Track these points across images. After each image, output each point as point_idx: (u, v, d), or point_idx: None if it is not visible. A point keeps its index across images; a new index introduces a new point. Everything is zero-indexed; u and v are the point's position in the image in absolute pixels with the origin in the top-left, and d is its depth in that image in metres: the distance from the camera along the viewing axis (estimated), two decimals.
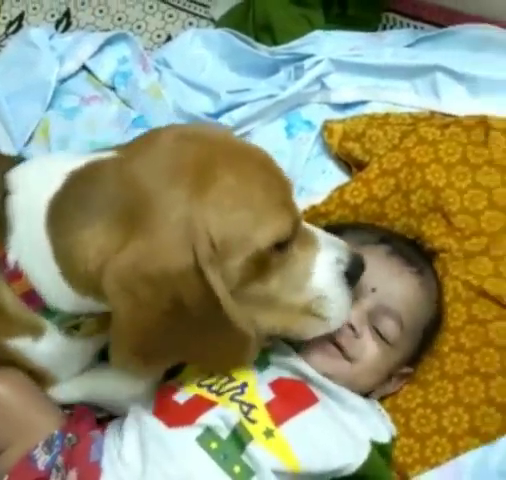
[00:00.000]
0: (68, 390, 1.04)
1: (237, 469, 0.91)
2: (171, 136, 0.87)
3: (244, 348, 0.91)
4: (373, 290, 1.04)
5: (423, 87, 1.40)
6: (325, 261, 0.94)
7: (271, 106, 1.41)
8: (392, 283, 1.06)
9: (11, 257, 0.89)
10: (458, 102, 1.37)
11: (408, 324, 1.06)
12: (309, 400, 0.99)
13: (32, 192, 0.90)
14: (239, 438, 0.92)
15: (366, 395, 1.07)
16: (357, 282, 0.98)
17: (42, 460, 0.94)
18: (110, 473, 0.91)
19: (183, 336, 0.87)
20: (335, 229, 1.15)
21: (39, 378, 0.99)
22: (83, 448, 0.95)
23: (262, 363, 1.02)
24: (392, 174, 1.26)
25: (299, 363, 1.02)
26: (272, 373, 1.01)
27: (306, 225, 0.96)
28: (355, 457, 0.96)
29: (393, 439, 1.04)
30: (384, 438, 1.02)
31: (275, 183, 0.89)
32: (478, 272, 1.16)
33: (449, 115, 1.35)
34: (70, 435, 0.97)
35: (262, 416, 0.95)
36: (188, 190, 0.82)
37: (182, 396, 0.97)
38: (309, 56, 1.45)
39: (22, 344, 0.95)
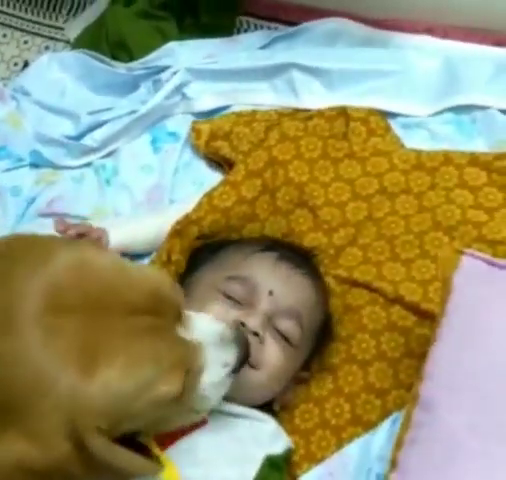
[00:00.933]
0: None
1: None
2: (36, 305, 0.71)
3: None
4: (270, 293, 1.04)
5: (281, 86, 1.41)
6: (212, 374, 0.87)
7: (133, 122, 1.40)
8: (286, 284, 1.06)
9: None
10: (315, 97, 1.38)
11: (306, 324, 1.06)
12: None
13: None
14: None
15: (269, 408, 1.06)
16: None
17: None
18: None
19: None
20: (218, 246, 1.15)
21: None
22: None
23: None
24: (258, 175, 1.26)
25: None
26: None
27: (194, 333, 0.85)
28: (241, 477, 0.95)
29: (289, 450, 1.03)
30: (278, 449, 1.00)
31: (165, 343, 0.78)
32: (348, 264, 1.17)
33: (309, 111, 1.36)
34: None
35: (148, 440, 0.91)
36: (70, 379, 0.71)
37: None
38: (166, 68, 1.45)
39: None
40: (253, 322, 1.01)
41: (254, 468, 0.97)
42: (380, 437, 0.98)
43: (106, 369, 0.72)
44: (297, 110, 1.37)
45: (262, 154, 1.27)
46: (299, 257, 1.13)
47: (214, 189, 1.26)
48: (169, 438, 0.94)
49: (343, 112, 1.31)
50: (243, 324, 1.00)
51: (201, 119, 1.40)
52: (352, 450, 1.00)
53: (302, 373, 1.09)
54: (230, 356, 0.89)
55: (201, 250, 1.19)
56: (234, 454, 0.97)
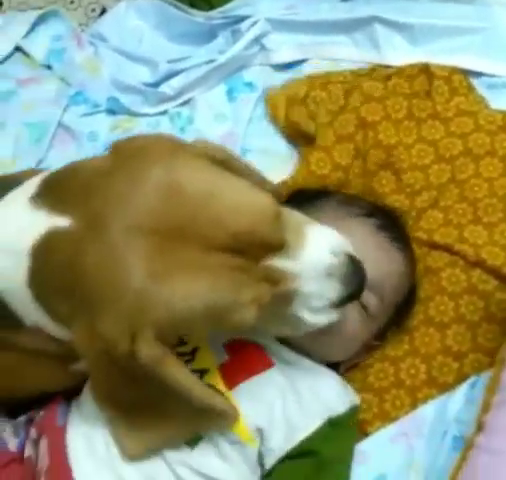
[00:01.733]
0: None
1: None
2: (122, 222, 0.75)
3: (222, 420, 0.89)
4: None
5: (362, 40, 1.38)
6: (308, 303, 0.85)
7: (211, 71, 1.39)
8: (379, 258, 1.03)
9: None
10: (398, 53, 1.35)
11: (389, 299, 1.04)
12: (264, 363, 0.98)
13: None
14: None
15: (334, 366, 1.05)
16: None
17: (12, 443, 0.95)
18: (76, 433, 0.93)
19: (157, 401, 0.84)
20: (316, 194, 1.13)
21: None
22: (49, 416, 0.96)
23: None
24: (349, 139, 1.22)
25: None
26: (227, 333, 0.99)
27: (297, 263, 0.82)
28: (304, 427, 0.95)
29: (355, 408, 1.01)
30: (341, 406, 0.99)
31: (238, 282, 0.77)
32: (428, 226, 1.15)
33: (391, 66, 1.33)
34: (41, 412, 0.98)
35: (215, 379, 0.94)
36: (137, 287, 0.74)
37: None
38: (246, 18, 1.42)
39: None
40: None
41: (312, 423, 0.96)
42: (457, 400, 0.98)
43: (170, 288, 0.74)
44: (376, 66, 1.34)
45: (350, 117, 1.23)
46: (398, 227, 1.10)
47: (309, 154, 1.23)
48: (233, 378, 0.95)
49: (425, 69, 1.28)
50: None
51: (274, 83, 1.36)
52: (427, 411, 1.00)
53: (374, 342, 1.08)
54: (332, 292, 0.85)
55: (299, 195, 1.16)
56: (296, 403, 0.96)
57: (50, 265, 0.78)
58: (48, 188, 0.82)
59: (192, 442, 0.91)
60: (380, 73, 1.31)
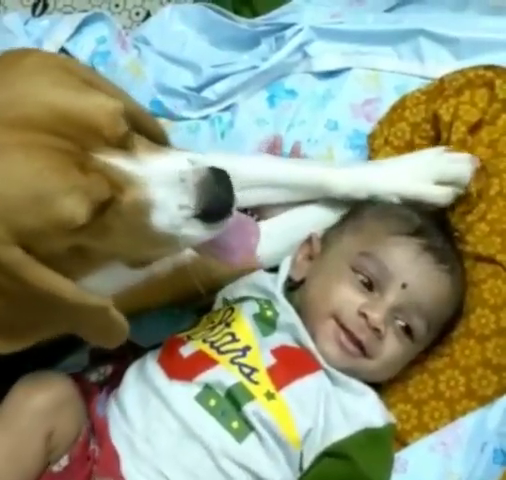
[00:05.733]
0: None
1: (235, 425, 0.93)
2: None
3: (107, 319, 0.84)
4: (404, 286, 1.00)
5: (406, 52, 1.37)
6: (166, 214, 0.79)
7: (254, 78, 1.39)
8: (424, 280, 1.02)
9: None
10: (442, 66, 1.34)
11: (434, 323, 1.03)
12: (311, 366, 0.99)
13: None
14: (235, 397, 0.93)
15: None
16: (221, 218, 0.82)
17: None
18: (116, 431, 0.95)
19: (35, 313, 0.81)
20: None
21: None
22: (90, 406, 0.99)
23: (267, 328, 1.02)
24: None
25: (304, 336, 1.01)
26: (275, 340, 1.01)
27: (145, 169, 0.79)
28: (341, 429, 0.96)
29: (390, 425, 1.01)
30: (377, 423, 0.99)
31: (64, 165, 0.74)
32: (474, 239, 1.13)
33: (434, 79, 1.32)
34: None
35: (264, 380, 0.96)
36: None
37: (187, 349, 1.00)
38: (290, 26, 1.43)
39: None
40: (376, 316, 0.98)
41: (351, 427, 0.97)
42: (496, 413, 0.97)
43: None
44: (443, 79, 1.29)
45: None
46: (446, 246, 1.07)
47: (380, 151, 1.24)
48: (281, 380, 0.96)
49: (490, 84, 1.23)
50: (365, 315, 0.99)
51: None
52: (467, 423, 0.99)
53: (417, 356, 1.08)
54: (188, 199, 0.78)
55: None
56: (337, 407, 0.98)
57: None
58: None
59: (240, 436, 0.92)
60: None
